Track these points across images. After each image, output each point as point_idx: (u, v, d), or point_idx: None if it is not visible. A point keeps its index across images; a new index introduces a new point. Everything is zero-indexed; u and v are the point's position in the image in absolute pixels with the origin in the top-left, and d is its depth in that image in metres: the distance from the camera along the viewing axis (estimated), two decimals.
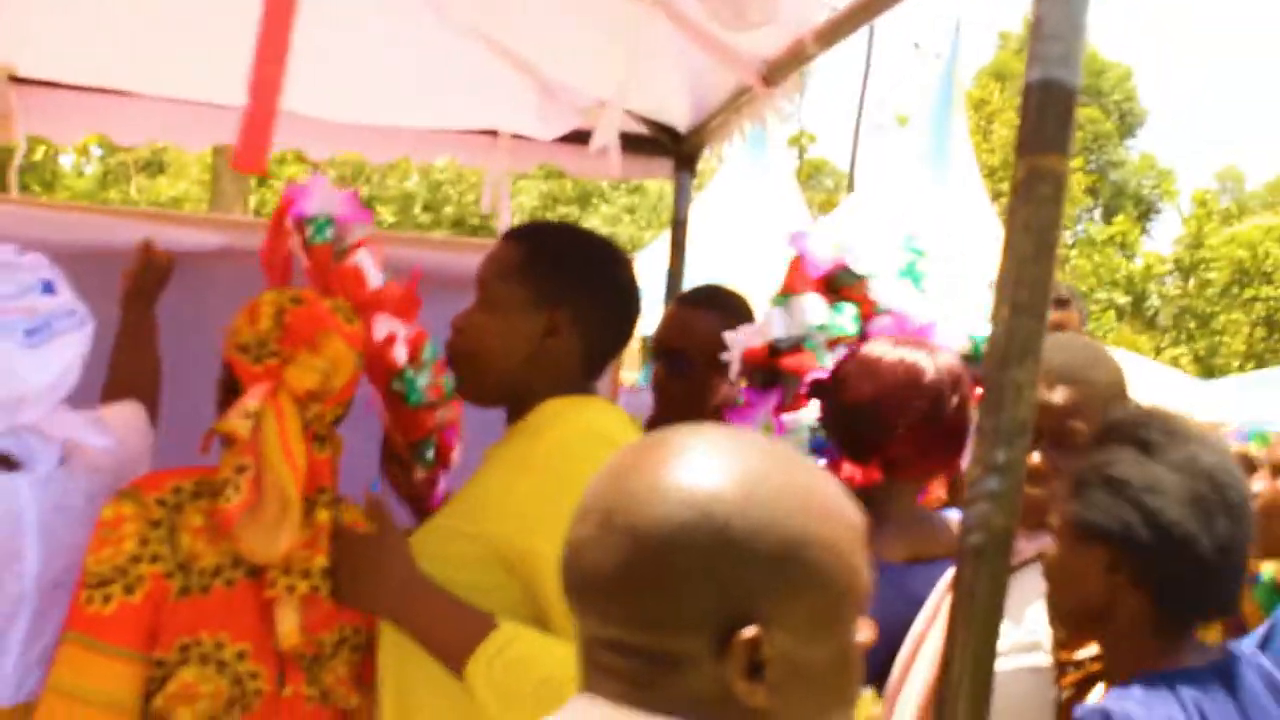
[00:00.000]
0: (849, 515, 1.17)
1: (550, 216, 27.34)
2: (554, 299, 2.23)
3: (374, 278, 2.75)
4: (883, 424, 2.52)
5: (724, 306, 3.33)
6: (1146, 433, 2.00)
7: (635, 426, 2.31)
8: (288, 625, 2.16)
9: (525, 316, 2.24)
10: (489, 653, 2.01)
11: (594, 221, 28.30)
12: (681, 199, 4.46)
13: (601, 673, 1.16)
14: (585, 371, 2.30)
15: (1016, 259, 1.58)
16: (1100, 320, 29.13)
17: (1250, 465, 3.65)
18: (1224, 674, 1.98)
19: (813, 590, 1.12)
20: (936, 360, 2.53)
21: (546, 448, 2.14)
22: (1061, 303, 3.47)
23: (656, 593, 1.10)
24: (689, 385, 3.26)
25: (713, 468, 1.13)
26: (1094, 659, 2.29)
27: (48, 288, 2.37)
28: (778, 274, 3.18)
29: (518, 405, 2.29)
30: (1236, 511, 1.95)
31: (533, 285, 2.24)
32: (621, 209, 31.51)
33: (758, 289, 3.64)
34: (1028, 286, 1.59)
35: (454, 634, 2.05)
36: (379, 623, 2.19)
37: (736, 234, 11.09)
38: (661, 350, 3.31)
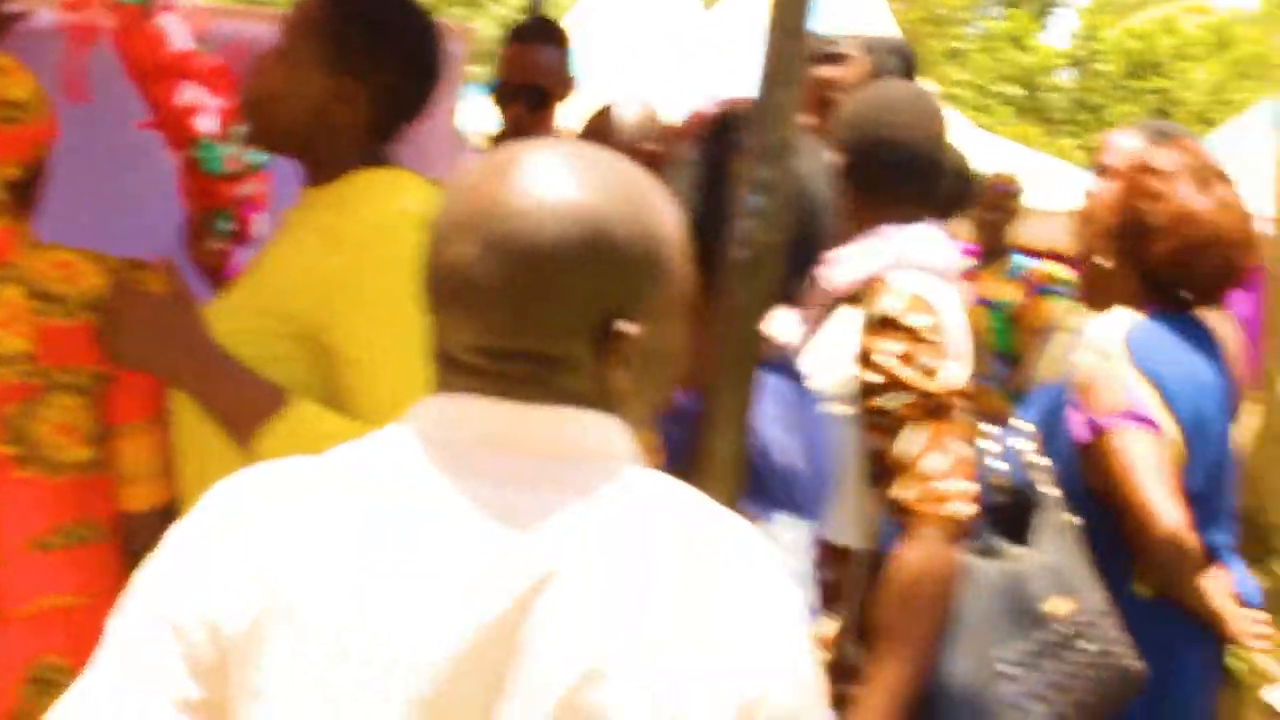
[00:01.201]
0: (676, 212, 1.29)
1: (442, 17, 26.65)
2: (344, 65, 2.12)
3: (178, 41, 2.68)
4: None
5: (555, 36, 3.66)
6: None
7: None
8: None
9: (314, 75, 2.13)
10: (280, 430, 1.94)
11: (484, 21, 27.68)
12: None
13: (469, 375, 1.21)
14: (374, 137, 2.19)
15: None
16: (997, 114, 29.26)
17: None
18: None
19: (666, 284, 1.24)
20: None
21: (359, 227, 2.04)
22: (836, 58, 3.08)
23: (547, 304, 1.18)
24: (546, 117, 3.57)
25: (591, 183, 1.20)
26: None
27: None
28: (668, 71, 3.32)
29: (310, 164, 2.20)
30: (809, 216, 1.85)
31: (326, 45, 2.13)
32: (515, 9, 30.88)
33: (650, 85, 3.84)
34: (795, 11, 1.65)
35: (245, 405, 1.98)
36: (174, 396, 2.07)
37: (625, 31, 10.90)
38: (520, 89, 3.54)
